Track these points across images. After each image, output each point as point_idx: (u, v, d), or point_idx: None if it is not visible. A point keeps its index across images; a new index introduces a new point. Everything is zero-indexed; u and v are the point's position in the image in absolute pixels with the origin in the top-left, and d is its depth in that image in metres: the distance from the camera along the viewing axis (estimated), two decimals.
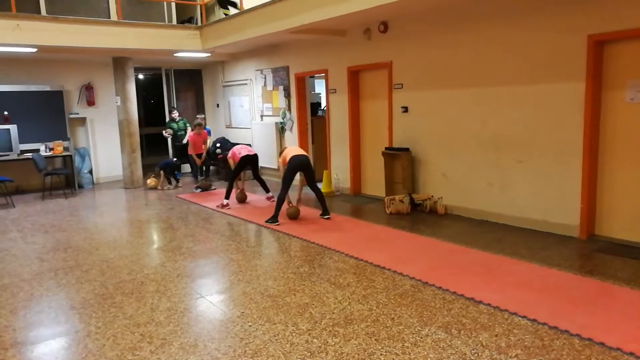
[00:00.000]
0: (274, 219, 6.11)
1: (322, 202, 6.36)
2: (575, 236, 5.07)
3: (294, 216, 6.32)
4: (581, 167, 4.95)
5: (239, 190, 7.61)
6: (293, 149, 6.46)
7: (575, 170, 5.01)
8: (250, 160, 7.29)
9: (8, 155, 8.66)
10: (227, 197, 7.30)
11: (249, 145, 9.56)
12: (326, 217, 6.30)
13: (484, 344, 2.99)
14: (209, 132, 9.93)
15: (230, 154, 7.37)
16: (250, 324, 3.38)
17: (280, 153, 6.60)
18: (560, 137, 5.10)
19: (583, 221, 5.00)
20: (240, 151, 7.23)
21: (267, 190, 7.63)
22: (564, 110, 5.03)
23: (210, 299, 3.85)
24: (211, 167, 10.37)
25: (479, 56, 5.75)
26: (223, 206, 7.22)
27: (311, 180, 6.33)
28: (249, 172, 8.26)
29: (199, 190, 8.74)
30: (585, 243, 4.89)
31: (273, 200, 7.40)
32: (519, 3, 5.27)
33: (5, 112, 8.91)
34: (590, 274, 4.05)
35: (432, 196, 6.49)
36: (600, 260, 4.39)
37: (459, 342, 3.02)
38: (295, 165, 6.17)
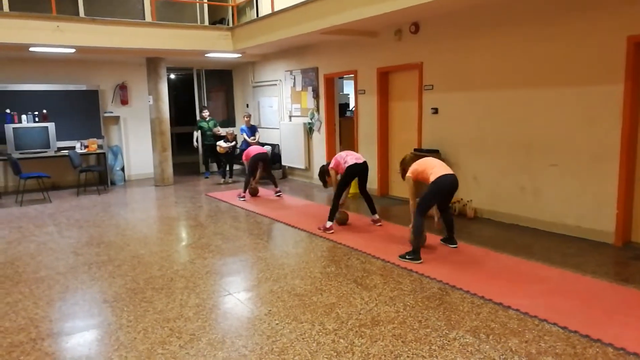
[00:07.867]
0: (414, 255, 4.59)
1: (452, 229, 5.07)
2: (610, 243, 4.92)
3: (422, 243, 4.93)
4: (618, 172, 4.80)
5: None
6: (437, 163, 4.84)
7: (611, 175, 4.86)
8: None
9: (46, 152, 8.97)
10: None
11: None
12: (453, 246, 5.03)
13: (513, 349, 2.94)
14: (255, 129, 10.13)
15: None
16: (277, 322, 3.41)
17: (401, 163, 5.12)
18: (595, 140, 4.97)
19: (619, 227, 4.85)
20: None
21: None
22: (601, 113, 4.90)
23: (238, 297, 3.90)
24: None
25: (511, 58, 5.65)
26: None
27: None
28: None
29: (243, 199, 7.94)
30: (621, 250, 4.75)
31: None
32: (554, 4, 5.16)
33: (44, 111, 9.22)
34: (625, 282, 3.93)
35: (462, 199, 6.40)
36: (637, 268, 4.25)
37: (487, 346, 2.98)
38: (446, 188, 4.72)
